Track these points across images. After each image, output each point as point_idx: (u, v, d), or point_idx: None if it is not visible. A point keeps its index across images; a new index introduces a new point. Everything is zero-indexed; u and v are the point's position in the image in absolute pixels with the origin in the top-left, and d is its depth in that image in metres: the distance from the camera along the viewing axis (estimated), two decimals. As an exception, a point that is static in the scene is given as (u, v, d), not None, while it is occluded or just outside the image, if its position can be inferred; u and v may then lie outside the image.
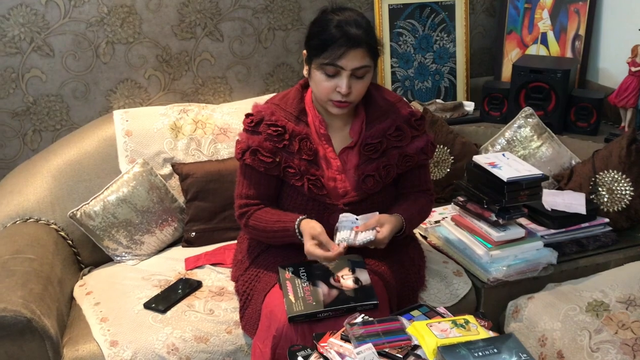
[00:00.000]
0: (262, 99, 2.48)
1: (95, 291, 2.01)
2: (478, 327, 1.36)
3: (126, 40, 2.40)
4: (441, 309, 1.68)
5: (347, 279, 1.68)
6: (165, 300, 1.91)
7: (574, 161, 2.50)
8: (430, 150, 1.86)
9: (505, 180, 1.96)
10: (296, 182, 1.76)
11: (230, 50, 2.56)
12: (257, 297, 1.77)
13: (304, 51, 1.75)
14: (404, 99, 1.92)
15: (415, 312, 1.65)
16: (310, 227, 1.66)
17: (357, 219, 1.70)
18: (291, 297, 1.64)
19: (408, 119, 1.82)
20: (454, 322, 1.36)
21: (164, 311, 1.86)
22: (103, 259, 2.21)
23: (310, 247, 1.63)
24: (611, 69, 2.75)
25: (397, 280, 1.82)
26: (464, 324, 1.36)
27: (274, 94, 1.89)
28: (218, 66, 2.57)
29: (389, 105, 1.83)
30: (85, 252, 2.21)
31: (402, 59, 2.80)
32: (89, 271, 2.18)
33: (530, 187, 2.00)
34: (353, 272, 1.70)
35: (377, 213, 1.73)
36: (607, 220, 2.27)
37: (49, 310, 1.76)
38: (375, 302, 1.63)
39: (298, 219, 1.70)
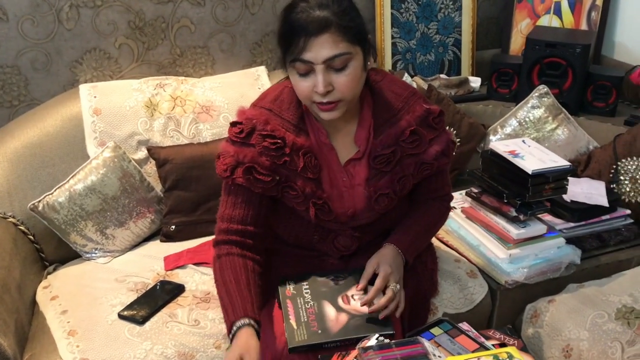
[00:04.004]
0: (249, 73, 2.27)
1: (61, 295, 1.75)
2: (524, 362, 1.15)
3: (93, 3, 2.08)
4: (464, 326, 1.47)
5: (358, 301, 1.43)
6: (143, 308, 1.66)
7: (591, 146, 2.30)
8: (451, 152, 1.57)
9: (530, 172, 1.74)
10: (298, 207, 1.45)
11: (212, 16, 2.26)
12: None
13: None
14: (418, 91, 1.61)
15: (436, 330, 1.44)
16: (242, 346, 1.27)
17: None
18: (292, 322, 1.39)
19: (425, 117, 1.49)
20: (495, 357, 1.15)
21: (142, 322, 1.62)
22: (70, 255, 1.95)
23: None
24: (629, 43, 2.52)
25: (409, 288, 1.59)
26: (507, 360, 1.14)
27: (261, 94, 1.53)
28: (199, 34, 2.27)
29: (400, 101, 1.50)
30: (50, 248, 1.94)
31: (404, 29, 2.53)
32: (54, 269, 1.91)
33: (556, 180, 1.78)
34: (365, 290, 1.45)
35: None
36: (628, 212, 2.08)
37: (5, 325, 1.50)
38: (392, 331, 1.38)
39: (239, 323, 1.30)
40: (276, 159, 1.42)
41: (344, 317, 1.39)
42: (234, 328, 1.31)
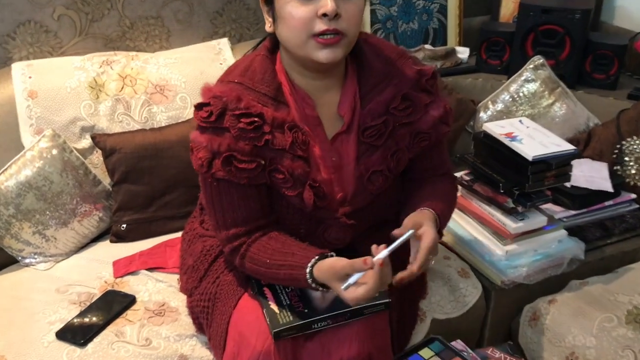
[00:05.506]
0: (209, 46, 2.00)
1: (-8, 311, 1.51)
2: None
3: (23, -33, 1.80)
4: (459, 344, 1.27)
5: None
6: (85, 326, 1.43)
7: (591, 122, 2.09)
8: (450, 119, 1.34)
9: (529, 159, 1.52)
10: (288, 192, 1.23)
11: (166, -19, 1.99)
12: (221, 312, 1.31)
13: None
14: (407, 51, 1.39)
15: (425, 352, 1.24)
16: (327, 273, 1.14)
17: None
18: (273, 307, 1.22)
19: (417, 80, 1.29)
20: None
21: (83, 344, 1.39)
22: (7, 261, 1.70)
23: (351, 295, 1.09)
24: (632, 7, 2.30)
25: (399, 291, 1.37)
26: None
27: (228, 68, 1.30)
28: (151, 2, 1.99)
29: (388, 65, 1.30)
30: (-19, 254, 1.69)
31: (384, -6, 2.28)
32: (-13, 278, 1.67)
33: (559, 167, 1.57)
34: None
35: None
36: (634, 196, 1.89)
37: None
38: (387, 300, 1.20)
39: (308, 269, 1.16)
40: (256, 140, 1.20)
41: (331, 294, 1.21)
42: (307, 274, 1.16)
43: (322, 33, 1.14)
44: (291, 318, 1.18)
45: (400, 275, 1.13)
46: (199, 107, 1.22)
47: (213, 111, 1.19)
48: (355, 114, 1.28)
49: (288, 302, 1.23)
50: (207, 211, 1.30)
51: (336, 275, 1.11)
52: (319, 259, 1.16)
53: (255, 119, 1.19)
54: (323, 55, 1.16)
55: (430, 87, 1.31)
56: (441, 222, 1.26)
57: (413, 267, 1.14)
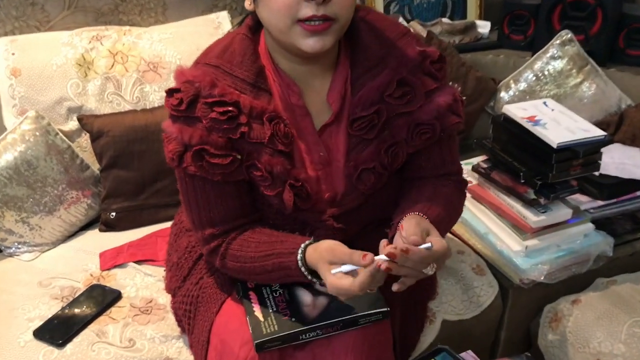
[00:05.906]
0: (208, 20, 1.87)
1: (-29, 305, 1.42)
2: None
3: None
4: (469, 355, 1.13)
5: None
6: (65, 324, 1.33)
7: (624, 104, 1.95)
8: (460, 109, 1.16)
9: (554, 146, 1.37)
10: (267, 191, 1.10)
11: (161, -51, 1.85)
12: (203, 318, 1.20)
13: None
14: (411, 30, 1.22)
15: (431, 365, 1.10)
16: (322, 254, 1.03)
17: None
18: (258, 314, 1.11)
19: (418, 63, 1.12)
20: None
21: (61, 344, 1.29)
22: (-9, 250, 1.61)
23: (334, 281, 0.98)
24: (671, -24, 2.11)
25: (402, 292, 1.23)
26: None
27: (206, 49, 1.15)
28: (145, -27, 1.86)
29: (386, 45, 1.13)
30: (-37, 243, 1.59)
31: (398, -37, 2.13)
32: (-30, 269, 1.58)
33: (587, 155, 1.41)
34: None
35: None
36: (669, 185, 1.72)
37: None
38: (385, 309, 1.07)
39: (299, 253, 1.05)
40: (230, 132, 1.06)
41: (322, 301, 1.11)
42: (299, 259, 1.05)
43: (309, 19, 0.99)
44: (276, 328, 1.07)
45: (398, 284, 0.98)
46: (169, 93, 1.08)
47: (183, 99, 1.05)
48: (345, 102, 1.13)
49: (275, 309, 1.11)
50: (184, 208, 1.17)
51: (332, 259, 0.99)
52: (313, 242, 1.06)
53: (230, 108, 1.05)
54: (309, 43, 1.01)
55: (436, 71, 1.13)
56: (440, 227, 1.06)
57: (403, 245, 0.95)
